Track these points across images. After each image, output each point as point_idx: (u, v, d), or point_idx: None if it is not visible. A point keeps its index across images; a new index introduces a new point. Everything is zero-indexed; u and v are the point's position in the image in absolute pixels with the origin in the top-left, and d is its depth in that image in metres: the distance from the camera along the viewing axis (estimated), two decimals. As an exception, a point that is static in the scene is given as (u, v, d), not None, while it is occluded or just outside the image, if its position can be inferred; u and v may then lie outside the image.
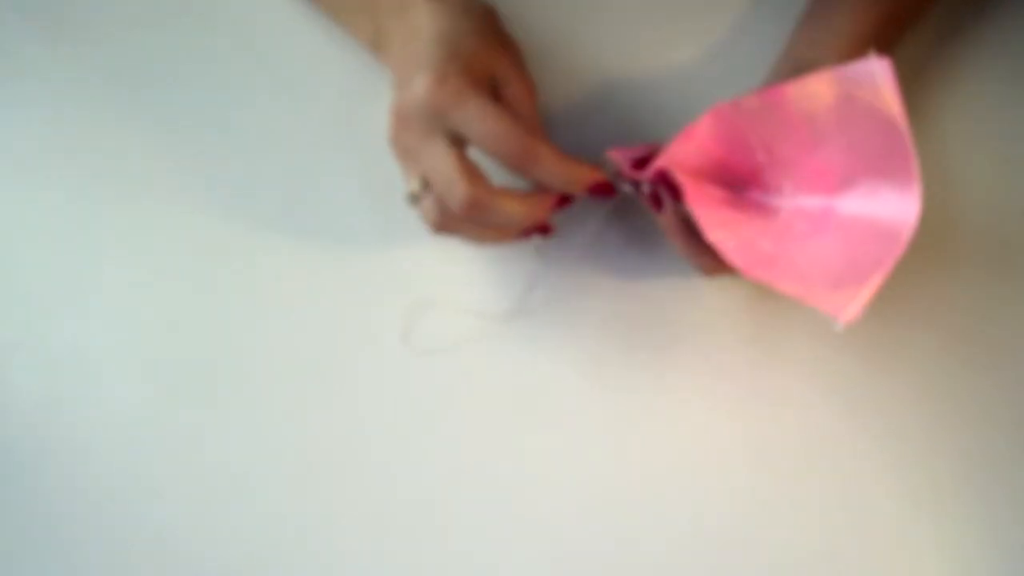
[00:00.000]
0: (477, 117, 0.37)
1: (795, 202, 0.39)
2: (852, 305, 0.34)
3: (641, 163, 0.41)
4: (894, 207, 0.34)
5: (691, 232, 0.40)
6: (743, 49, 0.49)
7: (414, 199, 0.40)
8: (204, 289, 0.47)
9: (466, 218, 0.38)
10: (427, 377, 0.46)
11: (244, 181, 0.48)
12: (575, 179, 0.39)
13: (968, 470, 0.44)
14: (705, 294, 0.46)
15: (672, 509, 0.45)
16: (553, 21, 0.49)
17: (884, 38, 0.44)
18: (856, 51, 0.43)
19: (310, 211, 0.48)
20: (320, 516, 0.45)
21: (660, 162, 0.39)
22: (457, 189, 0.37)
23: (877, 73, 0.32)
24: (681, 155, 0.39)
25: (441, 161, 0.38)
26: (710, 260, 0.40)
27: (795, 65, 0.43)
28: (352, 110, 0.49)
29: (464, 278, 0.47)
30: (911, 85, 0.49)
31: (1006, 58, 0.49)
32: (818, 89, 0.34)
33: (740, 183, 0.41)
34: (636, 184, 0.41)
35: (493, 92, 0.40)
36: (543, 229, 0.43)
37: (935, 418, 0.45)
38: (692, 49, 0.49)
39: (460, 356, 0.46)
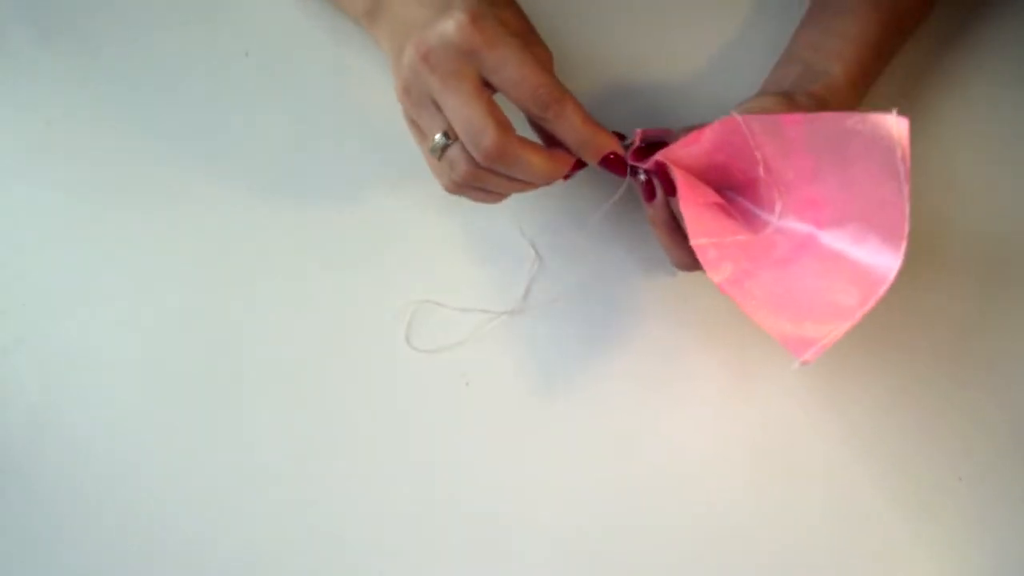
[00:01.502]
0: (513, 61, 0.35)
1: (783, 222, 0.39)
2: (812, 349, 0.34)
3: (644, 152, 0.41)
4: (876, 257, 0.34)
5: (675, 228, 0.40)
6: (745, 49, 0.49)
7: (435, 151, 0.38)
8: (204, 289, 0.47)
9: (489, 170, 0.37)
10: (429, 376, 0.46)
11: (245, 181, 0.48)
12: (595, 143, 0.38)
13: (960, 471, 0.44)
14: (702, 294, 0.47)
15: (673, 506, 0.45)
16: (558, 23, 0.49)
17: (885, 42, 0.44)
18: (857, 55, 0.43)
19: (311, 211, 0.48)
20: (322, 516, 0.45)
21: (661, 155, 0.40)
22: (487, 136, 0.35)
23: (895, 129, 0.32)
24: (683, 154, 0.39)
25: (471, 105, 0.36)
26: (688, 258, 0.40)
27: (796, 67, 0.43)
28: (360, 107, 0.49)
29: (466, 278, 0.47)
30: (911, 88, 0.49)
31: (1004, 62, 0.49)
32: (831, 127, 0.34)
33: (736, 189, 0.42)
34: (635, 170, 0.41)
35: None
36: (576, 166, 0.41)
37: (925, 420, 0.45)
38: (694, 50, 0.49)
39: (462, 355, 0.46)
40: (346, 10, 0.45)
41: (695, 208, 0.39)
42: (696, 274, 0.46)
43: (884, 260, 0.34)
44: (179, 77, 0.50)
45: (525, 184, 0.40)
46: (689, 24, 0.50)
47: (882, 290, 0.33)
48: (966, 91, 0.49)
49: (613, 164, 0.39)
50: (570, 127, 0.37)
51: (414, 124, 0.40)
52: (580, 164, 0.40)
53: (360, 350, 0.47)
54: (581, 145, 0.38)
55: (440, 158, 0.38)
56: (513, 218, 0.48)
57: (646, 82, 0.49)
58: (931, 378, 0.46)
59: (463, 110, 0.36)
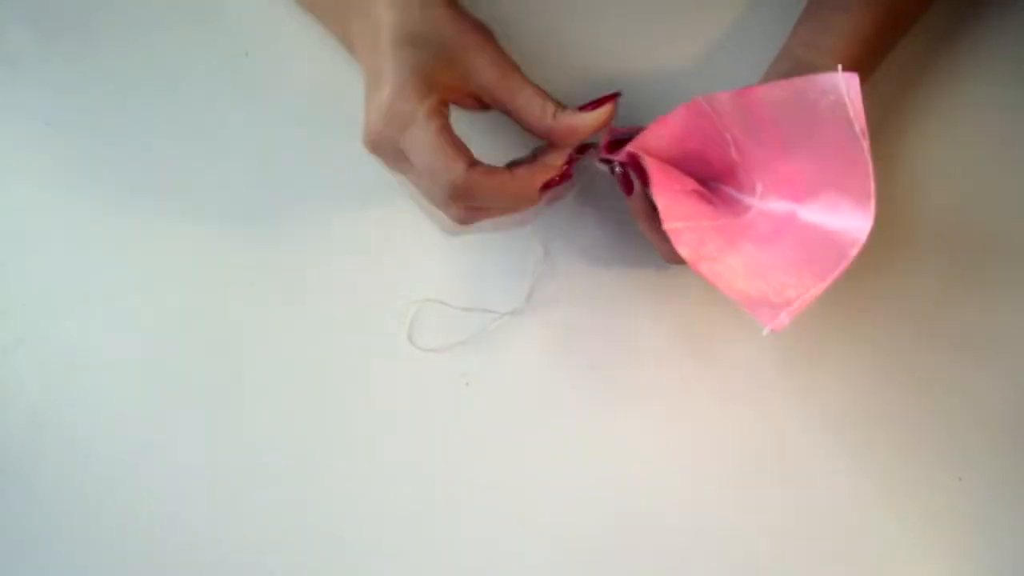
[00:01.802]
0: (423, 149, 0.37)
1: (765, 204, 0.39)
2: (784, 314, 0.34)
3: (618, 144, 0.41)
4: (848, 221, 0.34)
5: (655, 218, 0.40)
6: (742, 48, 0.49)
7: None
8: (205, 289, 0.47)
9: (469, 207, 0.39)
10: (431, 375, 0.46)
11: (245, 180, 0.48)
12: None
13: (960, 471, 0.44)
14: (708, 298, 0.47)
15: (673, 506, 0.45)
16: (549, 21, 0.49)
17: (881, 39, 0.44)
18: (851, 52, 0.43)
19: (313, 210, 0.48)
20: (322, 515, 0.45)
21: (632, 146, 0.40)
22: (452, 172, 0.37)
23: (844, 87, 0.32)
24: (654, 142, 0.40)
25: (428, 150, 0.37)
26: (670, 248, 0.40)
27: (792, 64, 0.43)
28: (357, 110, 0.49)
29: (469, 276, 0.47)
30: (910, 87, 0.49)
31: (1004, 61, 0.49)
32: (785, 95, 0.34)
33: (717, 178, 0.42)
34: (610, 164, 0.41)
35: (468, 81, 0.39)
36: (563, 176, 0.42)
37: (925, 420, 0.45)
38: (690, 49, 0.49)
39: (464, 354, 0.46)
40: (331, 35, 0.46)
41: (669, 194, 0.39)
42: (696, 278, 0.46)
43: (856, 223, 0.34)
44: (179, 77, 0.50)
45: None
46: (685, 22, 0.50)
47: (854, 252, 0.33)
48: (964, 88, 0.49)
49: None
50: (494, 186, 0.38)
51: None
52: (563, 176, 0.40)
53: (362, 350, 0.47)
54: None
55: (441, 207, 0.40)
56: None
57: (641, 79, 0.49)
58: (931, 378, 0.46)
59: (422, 159, 0.38)
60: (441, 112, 0.38)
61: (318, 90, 0.49)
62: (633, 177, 0.41)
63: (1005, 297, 0.47)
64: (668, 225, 0.37)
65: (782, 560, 0.44)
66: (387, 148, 0.39)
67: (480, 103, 0.41)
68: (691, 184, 0.41)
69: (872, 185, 0.33)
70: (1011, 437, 0.45)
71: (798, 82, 0.33)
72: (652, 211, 0.41)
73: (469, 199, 0.38)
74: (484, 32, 0.40)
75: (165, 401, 0.46)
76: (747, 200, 0.40)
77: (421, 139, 0.37)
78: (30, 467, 0.45)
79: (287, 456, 0.45)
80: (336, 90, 0.49)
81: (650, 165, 0.39)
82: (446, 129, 0.38)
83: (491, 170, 0.38)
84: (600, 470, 0.45)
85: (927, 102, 0.49)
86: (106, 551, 0.44)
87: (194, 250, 0.48)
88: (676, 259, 0.41)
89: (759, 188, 0.40)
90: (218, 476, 0.45)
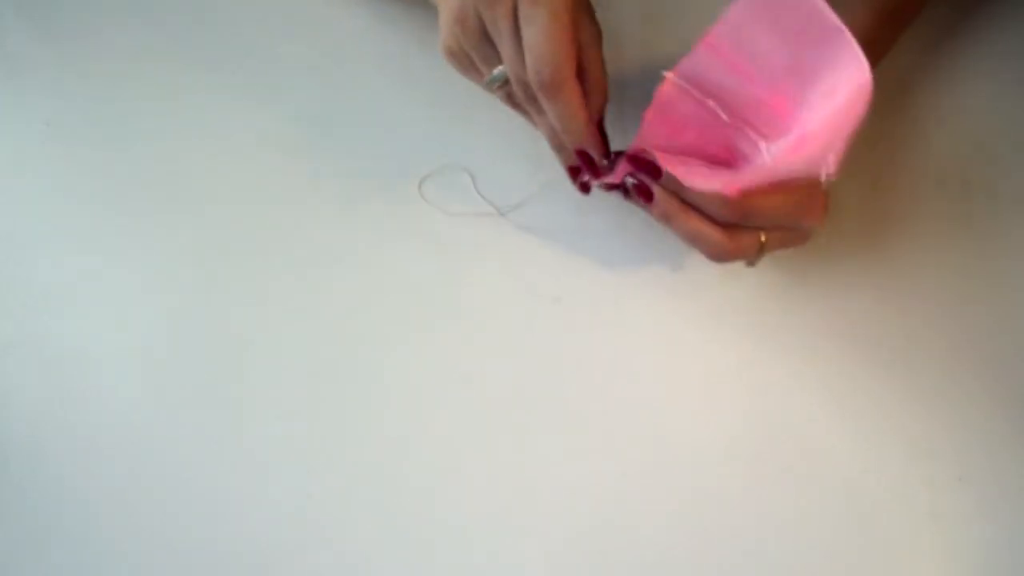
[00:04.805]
0: (541, 25, 0.37)
1: (775, 148, 0.39)
2: (831, 157, 0.35)
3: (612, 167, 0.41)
4: (848, 81, 0.34)
5: (687, 209, 0.39)
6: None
7: (493, 83, 0.41)
8: (205, 287, 0.47)
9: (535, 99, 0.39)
10: (432, 375, 0.46)
11: (246, 178, 0.48)
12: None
13: (960, 471, 0.44)
14: (712, 286, 0.47)
15: (673, 504, 0.44)
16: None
17: (882, 36, 0.44)
18: (883, 9, 0.42)
19: (314, 208, 0.48)
20: (327, 514, 0.45)
21: (631, 151, 0.39)
22: (549, 66, 0.37)
23: None
24: (652, 140, 0.39)
25: (547, 33, 0.37)
26: (717, 235, 0.39)
27: None
28: (366, 101, 0.49)
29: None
30: (909, 87, 0.49)
31: (1004, 59, 0.49)
32: (744, 19, 0.35)
33: (723, 163, 0.41)
34: (623, 187, 0.41)
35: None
36: (583, 186, 0.44)
37: (925, 420, 0.45)
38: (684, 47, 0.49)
39: (464, 356, 0.46)
40: None
41: (682, 166, 0.38)
42: (707, 272, 0.46)
43: (854, 73, 0.34)
44: (179, 76, 0.50)
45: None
46: (683, 21, 0.50)
47: (868, 88, 0.33)
48: (965, 85, 0.49)
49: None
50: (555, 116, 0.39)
51: (461, 57, 0.41)
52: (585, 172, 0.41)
53: (364, 349, 0.47)
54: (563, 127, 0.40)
55: (496, 90, 0.41)
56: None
57: (635, 79, 0.49)
58: (930, 377, 0.46)
59: (537, 38, 0.37)
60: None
61: (319, 89, 0.49)
62: (648, 182, 0.40)
63: (1009, 294, 0.46)
64: (689, 182, 0.37)
65: (780, 559, 0.44)
66: (471, 27, 0.39)
67: None
68: (702, 163, 0.40)
69: (850, 36, 0.34)
70: (1011, 437, 0.45)
71: (748, 3, 0.34)
72: (683, 205, 0.39)
73: (551, 97, 0.38)
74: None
75: (167, 398, 0.46)
76: (759, 159, 0.40)
77: (539, 16, 0.37)
78: (31, 465, 0.45)
79: (289, 453, 0.45)
80: (338, 88, 0.49)
81: (657, 155, 0.39)
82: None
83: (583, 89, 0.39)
84: (600, 469, 0.45)
85: (926, 98, 0.49)
86: (107, 550, 0.44)
87: (195, 247, 0.48)
88: (723, 250, 0.40)
89: (762, 144, 0.39)
90: (218, 475, 0.45)
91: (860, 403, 0.45)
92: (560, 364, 0.46)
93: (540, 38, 0.37)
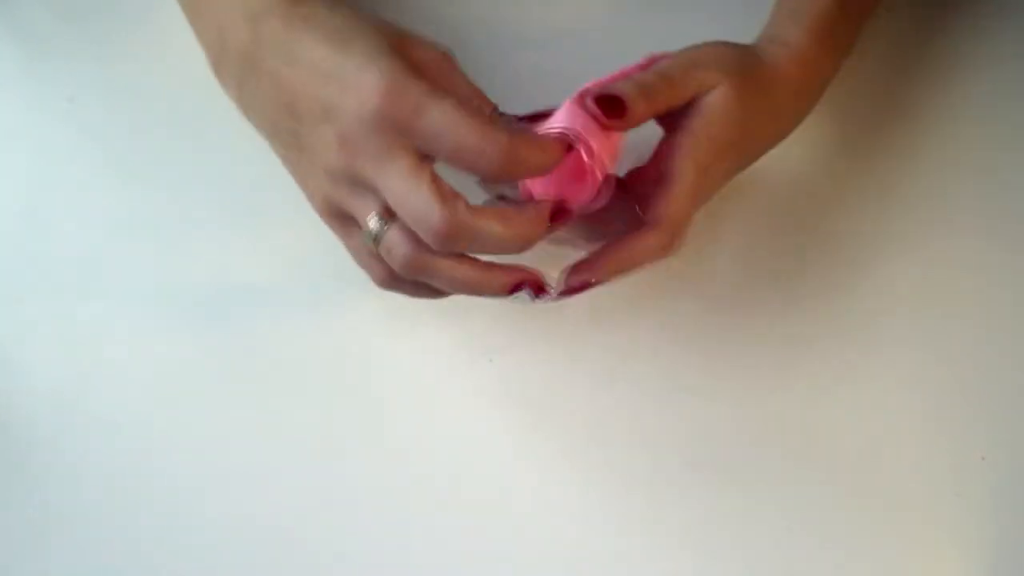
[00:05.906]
0: (447, 127, 0.31)
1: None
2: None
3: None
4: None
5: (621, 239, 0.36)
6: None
7: (371, 239, 0.34)
8: (230, 263, 0.47)
9: (441, 252, 0.33)
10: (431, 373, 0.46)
11: (272, 157, 0.48)
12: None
13: (983, 450, 0.45)
14: (704, 287, 0.47)
15: (674, 497, 0.45)
16: (531, 16, 0.48)
17: (818, 56, 0.40)
18: (819, 29, 0.40)
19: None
20: (331, 514, 0.45)
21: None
22: (434, 215, 0.31)
23: None
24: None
25: (409, 184, 0.31)
26: (654, 239, 0.36)
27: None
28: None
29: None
30: (902, 80, 0.49)
31: (1004, 57, 0.49)
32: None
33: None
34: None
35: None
36: (534, 285, 0.35)
37: (948, 398, 0.45)
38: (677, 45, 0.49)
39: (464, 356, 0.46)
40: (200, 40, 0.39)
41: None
42: (707, 278, 0.47)
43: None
44: (201, 53, 0.49)
45: (491, 281, 0.34)
46: (677, 20, 0.49)
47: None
48: (965, 83, 0.49)
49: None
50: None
51: (337, 217, 0.36)
52: (563, 213, 0.35)
53: (366, 349, 0.47)
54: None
55: (379, 247, 0.34)
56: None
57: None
58: (952, 357, 0.46)
59: (403, 192, 0.31)
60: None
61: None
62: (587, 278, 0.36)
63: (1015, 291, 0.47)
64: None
65: (801, 540, 0.44)
66: (365, 160, 0.32)
67: None
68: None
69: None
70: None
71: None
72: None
73: (457, 244, 0.32)
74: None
75: (183, 386, 0.46)
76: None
77: (453, 119, 0.31)
78: (47, 450, 0.45)
79: (300, 446, 0.45)
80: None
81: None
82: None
83: (482, 209, 0.33)
84: (602, 468, 0.45)
85: (924, 96, 0.49)
86: (124, 538, 0.44)
87: (219, 225, 0.47)
88: (667, 248, 0.36)
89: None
90: (233, 461, 0.45)
91: (881, 379, 0.45)
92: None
93: (401, 192, 0.31)
